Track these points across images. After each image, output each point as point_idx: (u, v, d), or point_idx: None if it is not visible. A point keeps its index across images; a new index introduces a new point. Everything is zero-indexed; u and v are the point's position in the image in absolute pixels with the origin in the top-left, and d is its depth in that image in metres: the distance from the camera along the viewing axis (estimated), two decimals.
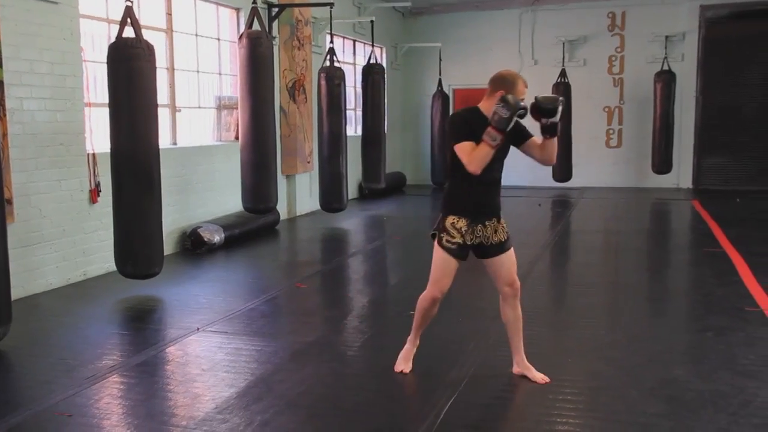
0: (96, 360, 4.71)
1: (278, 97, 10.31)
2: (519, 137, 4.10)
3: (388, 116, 13.66)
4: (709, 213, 11.17)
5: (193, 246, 8.30)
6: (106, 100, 6.07)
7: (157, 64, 6.17)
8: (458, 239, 4.05)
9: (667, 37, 14.41)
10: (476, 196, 4.06)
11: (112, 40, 6.02)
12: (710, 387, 4.09)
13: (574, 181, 14.85)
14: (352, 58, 13.86)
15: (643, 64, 14.78)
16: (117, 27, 5.95)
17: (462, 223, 4.05)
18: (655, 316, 5.90)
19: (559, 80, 14.44)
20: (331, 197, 10.12)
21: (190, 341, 5.13)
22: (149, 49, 5.97)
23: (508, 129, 3.86)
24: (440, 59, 15.22)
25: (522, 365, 4.27)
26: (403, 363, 4.37)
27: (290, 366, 4.58)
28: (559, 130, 4.05)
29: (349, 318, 5.88)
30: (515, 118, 3.85)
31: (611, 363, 4.57)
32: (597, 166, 15.33)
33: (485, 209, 4.10)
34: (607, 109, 15.33)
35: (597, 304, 6.23)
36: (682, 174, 14.86)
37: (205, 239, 8.29)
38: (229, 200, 9.22)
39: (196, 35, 9.16)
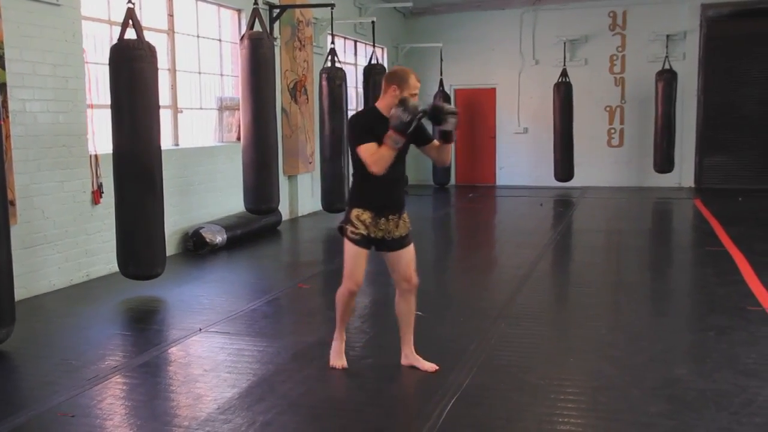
0: (99, 361, 4.72)
1: (280, 97, 10.32)
2: (420, 138, 4.27)
3: None
4: (710, 212, 11.17)
5: (195, 247, 8.31)
6: (108, 102, 6.07)
7: (159, 66, 6.18)
8: (362, 230, 4.19)
9: (668, 36, 14.41)
10: (380, 191, 4.19)
11: (114, 41, 6.04)
12: (712, 386, 4.09)
13: (576, 181, 14.85)
14: (354, 59, 13.86)
15: (645, 63, 14.77)
16: (119, 29, 5.97)
17: (366, 216, 4.18)
18: (657, 316, 5.90)
19: (560, 80, 14.45)
20: (333, 197, 10.12)
21: (192, 342, 5.14)
22: (151, 50, 5.98)
23: (409, 131, 3.99)
24: (441, 59, 15.23)
25: (411, 357, 4.41)
26: (337, 359, 4.48)
27: (292, 366, 4.59)
28: (455, 139, 4.26)
29: (350, 318, 5.87)
30: (415, 122, 3.97)
31: (613, 362, 4.58)
32: (598, 165, 15.32)
33: (389, 204, 4.23)
34: (608, 109, 15.32)
35: (599, 303, 6.23)
36: (683, 173, 14.86)
37: (207, 240, 8.31)
38: (231, 201, 9.23)
39: (198, 36, 9.17)
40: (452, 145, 4.31)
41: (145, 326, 5.70)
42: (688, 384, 4.16)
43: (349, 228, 4.21)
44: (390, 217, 4.22)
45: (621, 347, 4.91)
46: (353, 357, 4.87)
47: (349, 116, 4.26)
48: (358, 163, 4.16)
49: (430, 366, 4.36)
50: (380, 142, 4.02)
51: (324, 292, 7.12)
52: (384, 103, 4.18)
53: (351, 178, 4.36)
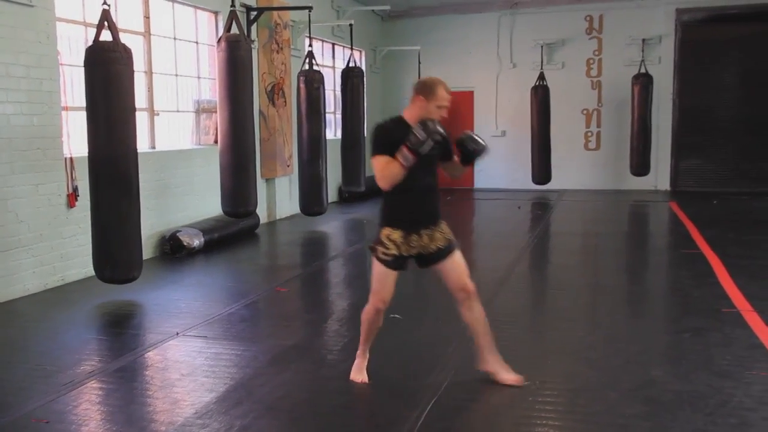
0: (74, 366, 4.67)
1: (257, 100, 10.29)
2: (446, 154, 4.20)
3: (367, 119, 13.66)
4: (686, 214, 11.28)
5: (173, 250, 8.25)
6: (84, 104, 6.02)
7: (135, 68, 6.13)
8: (393, 251, 4.04)
9: (644, 40, 14.54)
10: (410, 205, 4.04)
11: (89, 43, 5.98)
12: (688, 388, 4.13)
13: (553, 184, 14.94)
14: (332, 62, 13.85)
15: (621, 66, 14.90)
16: (94, 30, 5.91)
17: (396, 235, 4.03)
18: (633, 318, 5.94)
19: (537, 83, 14.53)
20: (311, 200, 10.10)
21: (169, 346, 5.10)
22: (127, 52, 5.93)
23: (422, 153, 3.83)
24: (419, 62, 15.24)
25: (492, 363, 4.23)
26: (357, 374, 4.33)
27: (270, 370, 4.57)
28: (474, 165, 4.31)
29: (329, 321, 5.87)
30: (431, 143, 3.83)
31: (590, 364, 4.61)
32: (576, 168, 15.43)
33: (420, 218, 4.08)
34: (585, 112, 15.44)
35: (576, 306, 6.26)
36: (659, 176, 14.99)
37: (185, 243, 8.25)
38: (209, 204, 9.18)
39: (175, 39, 9.12)
40: (468, 168, 4.32)
41: (122, 330, 5.64)
42: (664, 385, 4.19)
43: (380, 249, 4.04)
44: (422, 231, 4.05)
45: (598, 349, 4.94)
46: (331, 360, 4.87)
47: (375, 124, 4.11)
48: None
49: (514, 379, 4.16)
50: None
51: (302, 295, 7.11)
52: (410, 113, 4.03)
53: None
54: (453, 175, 4.41)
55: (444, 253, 4.11)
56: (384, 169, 3.90)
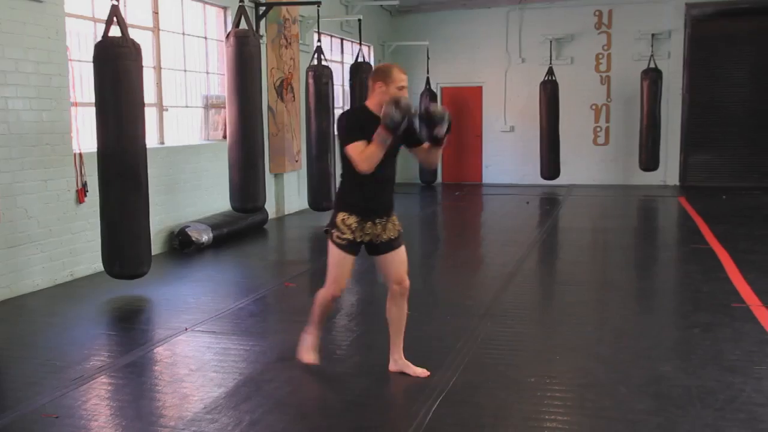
0: (83, 361, 4.68)
1: (266, 95, 10.29)
2: (411, 139, 4.19)
3: None
4: (695, 210, 11.23)
5: (181, 246, 8.27)
6: (93, 100, 6.03)
7: (144, 63, 6.14)
8: (348, 236, 4.10)
9: (653, 35, 14.48)
10: (367, 194, 4.10)
11: (99, 39, 5.99)
12: (697, 383, 4.11)
13: (562, 179, 14.90)
14: (340, 57, 13.84)
15: (630, 61, 14.84)
16: (103, 26, 5.92)
17: (352, 220, 4.09)
18: (642, 313, 5.92)
19: (546, 78, 14.48)
20: (320, 196, 10.09)
21: (178, 341, 5.11)
22: (136, 48, 5.94)
23: (399, 132, 3.91)
24: (428, 57, 15.23)
25: (400, 363, 4.32)
26: (309, 354, 4.42)
27: (279, 365, 4.58)
28: (444, 143, 4.13)
29: (337, 317, 5.87)
30: (405, 122, 3.89)
31: (599, 360, 4.59)
32: (584, 163, 15.38)
33: (376, 207, 4.14)
34: (594, 107, 15.38)
35: (585, 301, 6.25)
36: (668, 171, 14.94)
37: (193, 239, 8.27)
38: (217, 199, 9.20)
39: (183, 34, 9.13)
40: (440, 149, 4.21)
41: (131, 326, 5.66)
42: (674, 381, 4.18)
43: (335, 233, 4.12)
44: (377, 221, 4.13)
45: (607, 345, 4.93)
46: (340, 356, 4.87)
47: (338, 115, 4.15)
48: (347, 164, 4.07)
49: (420, 371, 4.27)
50: (369, 141, 3.94)
51: (311, 290, 7.07)
52: (372, 102, 4.09)
53: (339, 179, 4.28)
54: (428, 163, 4.37)
55: (394, 244, 4.20)
56: (363, 153, 3.94)
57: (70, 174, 6.88)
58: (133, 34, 6.09)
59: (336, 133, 4.14)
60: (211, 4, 9.65)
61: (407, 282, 4.26)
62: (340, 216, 4.13)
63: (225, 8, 9.82)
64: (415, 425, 3.63)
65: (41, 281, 6.57)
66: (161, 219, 8.16)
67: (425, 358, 4.51)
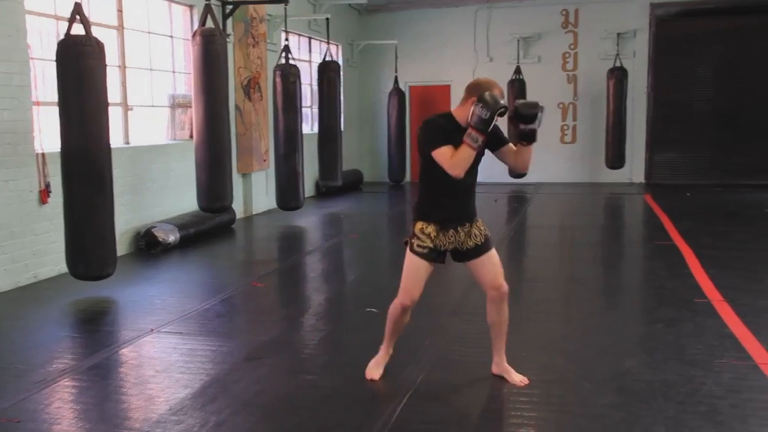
0: (46, 364, 4.62)
1: (233, 95, 10.23)
2: (496, 142, 4.01)
3: (344, 114, 13.64)
4: (660, 207, 11.40)
5: (148, 246, 8.19)
6: (56, 99, 5.94)
7: (109, 62, 6.08)
8: (428, 243, 3.98)
9: (618, 34, 14.65)
10: (445, 202, 3.98)
11: (61, 37, 5.91)
12: (660, 377, 4.17)
13: (530, 177, 14.91)
14: (308, 56, 13.80)
15: (596, 60, 15.00)
16: (66, 24, 5.84)
17: (431, 229, 3.98)
18: (608, 309, 6.00)
19: (514, 77, 14.57)
20: (288, 195, 10.07)
21: (144, 343, 5.06)
22: (99, 46, 5.87)
23: (489, 130, 3.75)
24: (396, 56, 15.26)
25: (501, 367, 4.23)
26: (374, 370, 4.28)
27: (246, 366, 4.56)
28: (536, 139, 3.92)
29: (305, 316, 5.86)
30: (496, 118, 3.72)
31: (565, 356, 4.64)
32: (552, 161, 15.49)
33: (455, 215, 4.01)
34: (561, 106, 15.52)
35: (552, 298, 6.31)
36: (634, 169, 15.13)
37: (160, 239, 8.19)
38: (184, 199, 9.12)
39: (149, 33, 9.03)
40: (530, 148, 3.94)
41: (96, 328, 5.59)
42: (638, 375, 4.24)
43: (415, 241, 3.99)
44: (459, 228, 3.99)
45: (573, 341, 4.99)
46: (308, 355, 4.86)
47: (424, 120, 4.00)
48: (425, 172, 3.96)
49: (520, 379, 4.14)
50: (455, 147, 3.78)
51: (278, 290, 7.09)
52: (460, 112, 3.92)
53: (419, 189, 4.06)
54: (521, 165, 4.07)
55: (481, 249, 4.04)
56: (453, 158, 3.78)
57: (33, 174, 6.78)
58: (96, 32, 6.01)
59: (418, 138, 3.96)
60: (177, 3, 9.57)
61: (505, 287, 4.09)
62: (419, 225, 4.00)
63: (191, 6, 9.75)
64: (381, 423, 3.64)
65: (3, 283, 6.47)
66: (127, 219, 8.07)
67: (393, 355, 4.52)
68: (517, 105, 3.89)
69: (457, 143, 3.78)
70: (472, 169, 3.94)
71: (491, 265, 4.07)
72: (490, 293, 4.11)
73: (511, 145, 4.05)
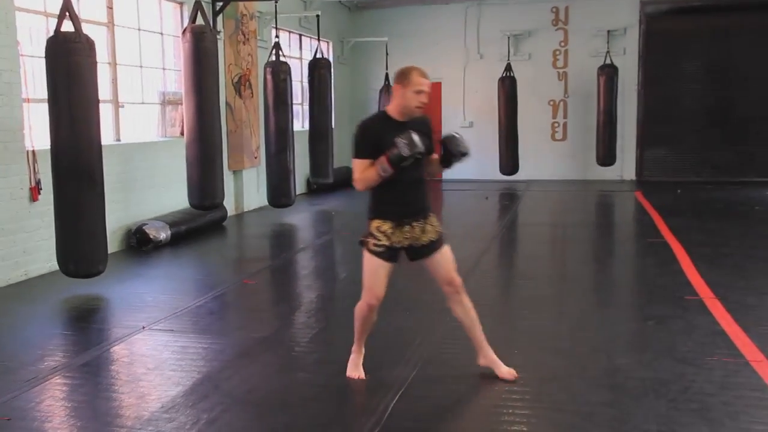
0: (37, 361, 4.60)
1: (224, 92, 10.20)
2: (426, 150, 4.03)
3: (335, 111, 13.61)
4: (651, 204, 11.43)
5: (139, 243, 8.16)
6: (46, 96, 5.91)
7: (99, 59, 6.05)
8: (384, 242, 3.99)
9: (609, 31, 14.69)
10: (399, 197, 4.00)
11: (51, 34, 5.88)
12: (651, 375, 4.19)
13: (521, 174, 15.03)
14: (299, 53, 13.78)
15: (587, 58, 15.03)
16: (55, 20, 5.80)
17: (387, 226, 4.00)
18: (599, 307, 6.01)
19: (504, 74, 14.59)
20: (279, 192, 10.06)
21: (135, 340, 5.05)
22: (89, 43, 5.85)
23: (401, 165, 3.82)
24: (387, 53, 15.21)
25: (489, 358, 4.21)
26: (354, 370, 4.26)
27: (238, 363, 4.55)
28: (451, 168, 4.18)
29: (297, 313, 5.86)
30: (411, 159, 3.81)
31: (557, 353, 4.65)
32: (543, 159, 15.54)
33: (410, 210, 4.04)
34: (552, 103, 15.55)
35: (543, 295, 6.32)
36: (625, 166, 15.18)
37: (151, 236, 8.16)
38: (175, 197, 9.09)
39: (139, 29, 8.99)
40: (443, 169, 4.18)
41: (87, 325, 5.58)
42: (629, 373, 4.25)
43: (371, 241, 3.99)
44: (414, 223, 4.01)
45: (565, 338, 4.99)
46: (299, 352, 4.86)
47: (360, 121, 4.10)
48: None
49: (508, 371, 4.13)
50: (386, 148, 3.81)
51: (270, 287, 7.09)
52: (392, 105, 3.99)
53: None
54: (429, 172, 4.21)
55: (435, 246, 4.07)
56: (362, 173, 3.91)
57: (23, 172, 6.74)
58: (86, 29, 5.99)
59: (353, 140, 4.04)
60: (167, 0, 9.53)
61: (458, 279, 4.11)
62: (375, 223, 4.02)
63: (181, 3, 9.71)
64: (373, 421, 3.64)
65: None
66: (118, 217, 8.04)
67: (384, 353, 4.53)
68: (453, 141, 4.06)
69: (390, 143, 3.82)
70: (417, 164, 3.98)
71: (444, 262, 4.12)
72: (446, 289, 4.15)
73: (434, 155, 4.17)
